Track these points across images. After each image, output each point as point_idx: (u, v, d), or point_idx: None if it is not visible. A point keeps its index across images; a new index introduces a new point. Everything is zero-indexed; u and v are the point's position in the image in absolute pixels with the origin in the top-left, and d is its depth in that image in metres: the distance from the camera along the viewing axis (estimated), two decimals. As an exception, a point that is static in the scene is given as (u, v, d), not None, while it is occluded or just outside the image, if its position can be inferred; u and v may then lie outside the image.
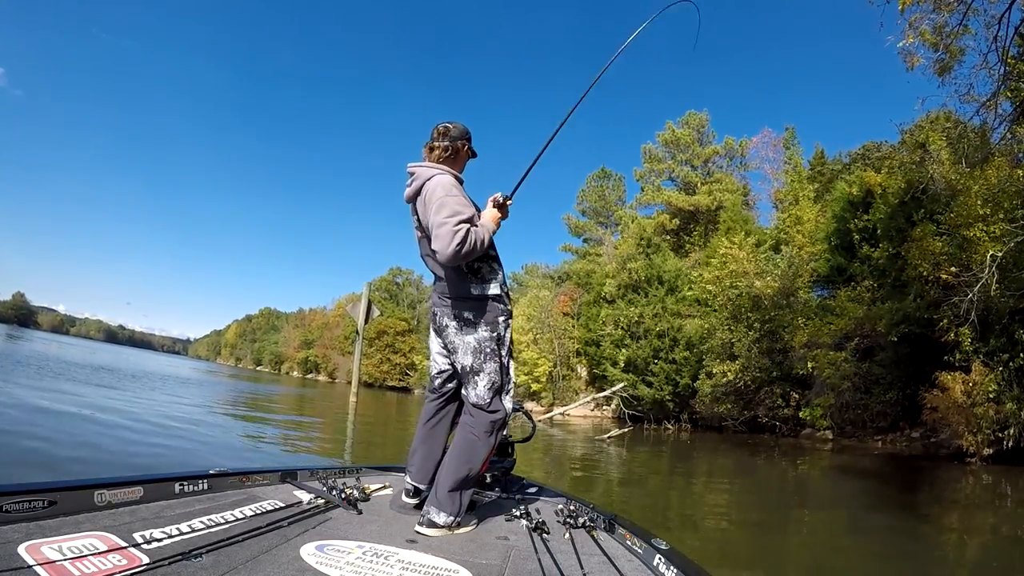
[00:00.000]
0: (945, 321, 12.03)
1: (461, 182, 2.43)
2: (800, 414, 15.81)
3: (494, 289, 2.36)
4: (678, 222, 32.75)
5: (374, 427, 14.14)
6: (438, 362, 2.53)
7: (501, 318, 2.37)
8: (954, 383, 11.14)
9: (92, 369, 19.47)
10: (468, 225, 2.16)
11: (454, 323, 2.36)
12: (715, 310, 21.17)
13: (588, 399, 24.98)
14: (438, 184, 2.27)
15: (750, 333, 17.78)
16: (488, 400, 2.30)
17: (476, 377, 2.32)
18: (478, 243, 2.19)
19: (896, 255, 14.86)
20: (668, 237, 32.18)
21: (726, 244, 20.10)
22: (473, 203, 2.37)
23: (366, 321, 17.17)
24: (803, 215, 22.52)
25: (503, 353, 2.37)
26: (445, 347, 2.46)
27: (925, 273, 12.44)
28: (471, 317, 2.33)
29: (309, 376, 78.30)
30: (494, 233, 2.38)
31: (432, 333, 2.54)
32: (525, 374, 28.67)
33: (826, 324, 16.12)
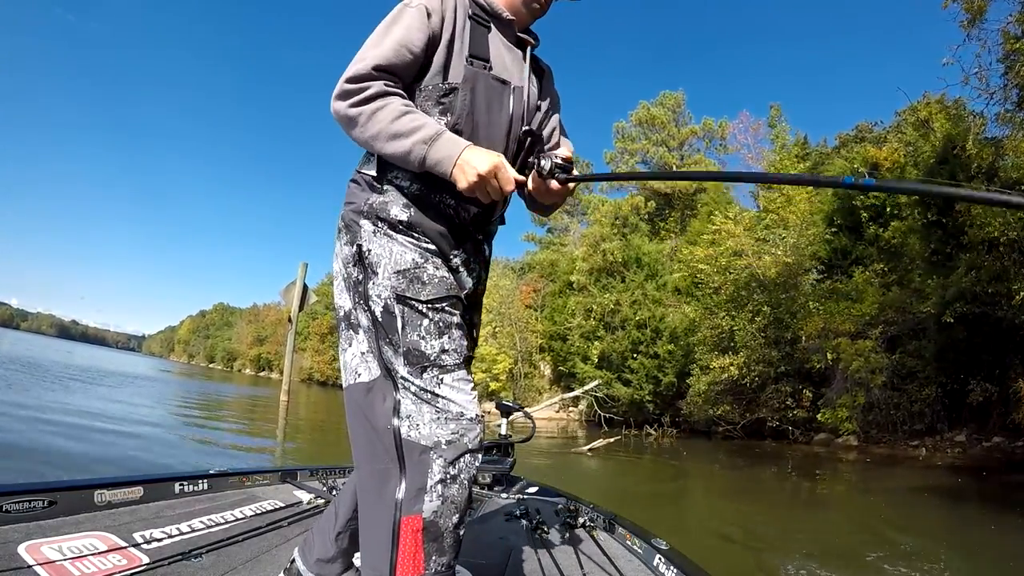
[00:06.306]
0: (1023, 293, 9.41)
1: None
2: (819, 416, 12.98)
3: (366, 167, 1.23)
4: (654, 205, 30.07)
5: (319, 435, 11.15)
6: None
7: (366, 224, 1.18)
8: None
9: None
10: (382, 81, 1.12)
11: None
12: (698, 298, 18.58)
13: (556, 400, 21.73)
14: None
15: (756, 319, 14.90)
16: (363, 391, 1.18)
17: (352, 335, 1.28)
18: (379, 122, 1.10)
19: (935, 223, 12.27)
20: (644, 221, 29.47)
21: (720, 219, 17.36)
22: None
23: (301, 307, 14.05)
24: (794, 194, 20.38)
25: (381, 302, 1.17)
26: None
27: (996, 234, 9.80)
28: (343, 218, 1.24)
29: (262, 374, 76.26)
30: (456, 173, 1.10)
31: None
32: (483, 371, 25.32)
33: (844, 309, 13.42)
